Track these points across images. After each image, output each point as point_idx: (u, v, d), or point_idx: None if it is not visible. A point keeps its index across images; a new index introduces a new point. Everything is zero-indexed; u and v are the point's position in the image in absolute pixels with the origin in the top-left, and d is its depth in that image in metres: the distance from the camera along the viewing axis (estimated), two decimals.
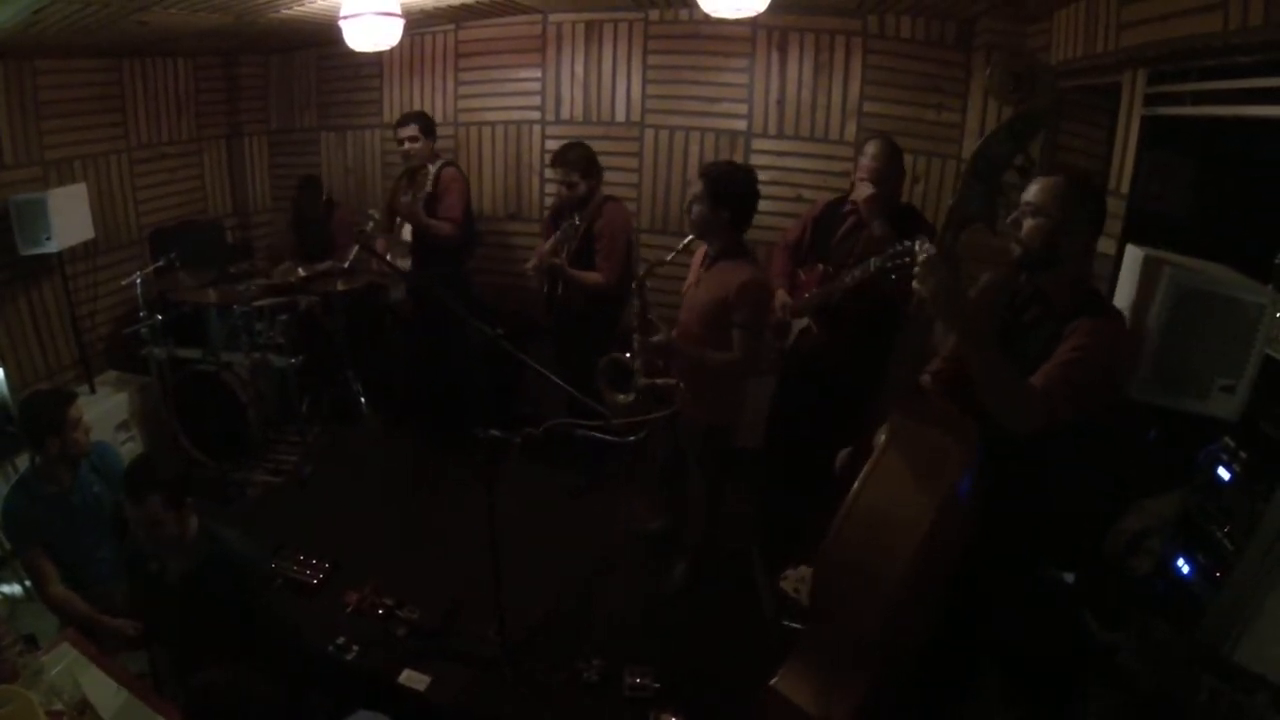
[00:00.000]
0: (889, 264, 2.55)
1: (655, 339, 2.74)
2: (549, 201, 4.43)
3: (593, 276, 3.51)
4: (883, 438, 1.94)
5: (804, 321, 3.01)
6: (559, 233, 3.54)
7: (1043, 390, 1.74)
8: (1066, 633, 2.39)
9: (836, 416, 2.54)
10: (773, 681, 1.99)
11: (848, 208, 2.99)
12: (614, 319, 3.59)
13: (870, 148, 2.89)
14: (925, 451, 1.88)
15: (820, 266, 2.98)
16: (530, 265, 3.62)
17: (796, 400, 3.19)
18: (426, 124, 3.99)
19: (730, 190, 2.69)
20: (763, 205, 4.09)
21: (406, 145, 3.95)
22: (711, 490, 3.07)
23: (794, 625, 2.18)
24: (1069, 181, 1.84)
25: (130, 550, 2.32)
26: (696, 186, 2.72)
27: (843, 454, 2.19)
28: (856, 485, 1.90)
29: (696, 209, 2.72)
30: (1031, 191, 1.85)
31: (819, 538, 1.95)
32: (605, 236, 3.50)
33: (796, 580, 2.31)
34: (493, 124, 4.56)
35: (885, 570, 1.81)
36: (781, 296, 3.07)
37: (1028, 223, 1.85)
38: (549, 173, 3.58)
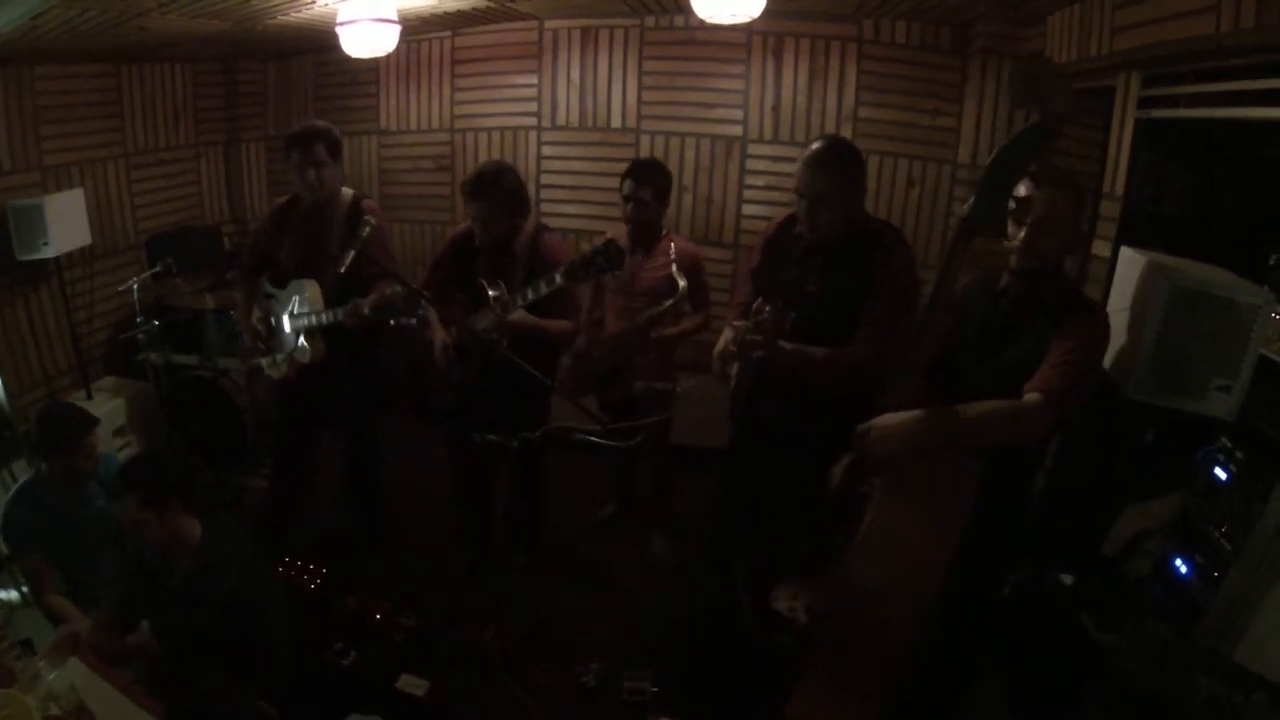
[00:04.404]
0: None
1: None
2: (544, 208, 4.43)
3: (561, 324, 2.85)
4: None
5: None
6: (508, 291, 2.69)
7: (1049, 392, 1.74)
8: (1066, 635, 2.39)
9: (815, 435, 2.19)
10: (787, 712, 1.98)
11: (799, 229, 2.37)
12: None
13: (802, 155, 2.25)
14: (936, 469, 1.86)
15: (765, 308, 2.21)
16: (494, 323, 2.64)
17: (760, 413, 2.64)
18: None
19: (665, 182, 3.06)
20: (758, 211, 4.18)
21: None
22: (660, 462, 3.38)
23: (786, 640, 2.16)
24: (1075, 195, 1.85)
25: (135, 549, 2.30)
26: (643, 192, 3.00)
27: (836, 469, 2.07)
28: (870, 515, 1.89)
29: (652, 209, 3.04)
30: (1042, 204, 1.84)
31: (808, 555, 1.94)
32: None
33: (790, 598, 2.27)
34: (489, 130, 4.57)
35: (908, 595, 1.79)
36: (726, 335, 2.40)
37: (1046, 239, 1.84)
38: (470, 207, 2.83)
